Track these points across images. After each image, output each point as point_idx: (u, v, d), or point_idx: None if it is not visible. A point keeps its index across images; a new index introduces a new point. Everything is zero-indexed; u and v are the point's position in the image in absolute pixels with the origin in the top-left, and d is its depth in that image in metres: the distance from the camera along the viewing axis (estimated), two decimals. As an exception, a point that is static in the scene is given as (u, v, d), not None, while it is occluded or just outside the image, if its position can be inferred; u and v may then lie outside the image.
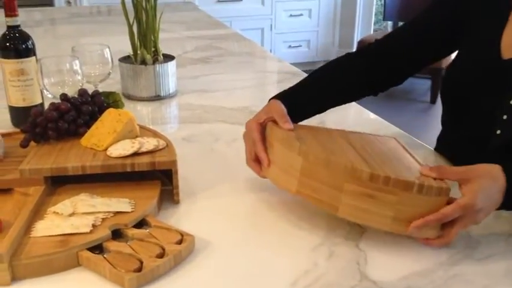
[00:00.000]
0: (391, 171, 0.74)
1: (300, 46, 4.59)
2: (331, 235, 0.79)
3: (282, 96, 0.95)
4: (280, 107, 0.90)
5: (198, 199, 0.90)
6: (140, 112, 1.32)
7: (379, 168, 0.74)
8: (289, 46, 4.55)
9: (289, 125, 0.85)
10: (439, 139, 1.13)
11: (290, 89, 0.98)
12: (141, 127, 0.97)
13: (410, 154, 0.86)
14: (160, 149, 0.88)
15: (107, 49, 1.22)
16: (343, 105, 1.06)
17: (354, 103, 1.36)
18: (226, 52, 1.93)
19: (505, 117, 0.86)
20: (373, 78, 1.03)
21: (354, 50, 4.78)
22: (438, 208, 0.72)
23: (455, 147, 1.03)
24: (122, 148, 0.86)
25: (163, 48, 1.42)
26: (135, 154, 0.86)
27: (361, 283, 0.69)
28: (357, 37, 4.60)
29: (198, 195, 0.91)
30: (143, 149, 0.87)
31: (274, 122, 0.88)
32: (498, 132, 0.87)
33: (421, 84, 4.22)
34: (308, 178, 0.77)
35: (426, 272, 0.71)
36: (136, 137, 0.92)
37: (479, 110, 0.92)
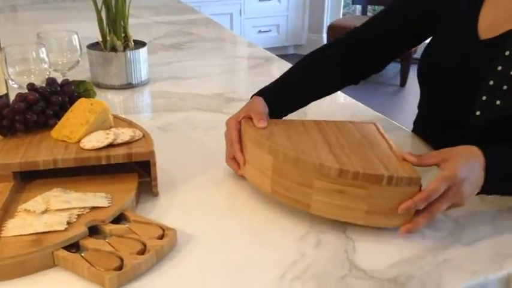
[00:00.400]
0: (362, 164, 0.73)
1: (270, 31, 4.55)
2: (317, 223, 0.77)
3: (263, 93, 0.93)
4: (260, 104, 0.89)
5: (178, 191, 0.86)
6: (111, 101, 1.27)
7: (349, 162, 0.73)
8: (259, 31, 4.50)
9: (263, 123, 0.84)
10: (416, 122, 1.12)
11: (272, 84, 0.96)
12: (115, 117, 0.92)
13: (387, 141, 0.85)
14: (137, 140, 0.84)
15: (75, 35, 1.16)
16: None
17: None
18: (198, 38, 1.88)
19: (484, 98, 0.85)
20: (353, 67, 1.02)
21: (324, 34, 4.74)
22: (411, 198, 0.71)
23: (433, 130, 1.03)
24: (96, 140, 0.82)
25: (133, 35, 1.37)
26: (110, 146, 0.81)
27: (351, 272, 0.67)
28: (327, 21, 4.58)
29: (178, 187, 0.87)
30: (118, 140, 0.82)
31: (250, 119, 0.86)
32: (477, 113, 0.86)
33: (391, 68, 4.26)
34: (280, 177, 0.77)
35: (415, 258, 0.70)
36: (111, 127, 0.88)
37: (459, 93, 0.92)
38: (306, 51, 5.02)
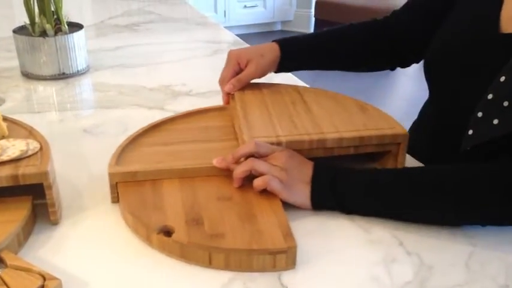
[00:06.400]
0: None
1: (256, 6, 4.33)
2: (248, 266, 0.61)
3: (282, 41, 0.91)
4: (263, 63, 0.88)
5: (86, 216, 0.70)
6: (41, 94, 1.10)
7: None
8: (245, 6, 4.28)
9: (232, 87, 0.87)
10: (412, 130, 0.95)
11: (295, 37, 0.95)
12: (14, 123, 0.76)
13: None
14: (30, 155, 0.68)
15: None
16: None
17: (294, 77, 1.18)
18: (158, 18, 1.70)
19: (480, 114, 0.68)
20: (396, 49, 0.95)
21: (313, 10, 4.53)
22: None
23: (428, 138, 0.87)
24: (-25, 157, 0.66)
25: (86, 13, 1.19)
26: (-7, 164, 0.65)
27: None
28: (316, -4, 4.37)
29: (87, 211, 0.71)
30: (4, 157, 0.66)
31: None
32: (470, 132, 0.69)
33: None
34: None
35: (365, 319, 0.55)
36: (3, 138, 0.71)
37: (460, 101, 0.75)
38: (294, 28, 4.81)
